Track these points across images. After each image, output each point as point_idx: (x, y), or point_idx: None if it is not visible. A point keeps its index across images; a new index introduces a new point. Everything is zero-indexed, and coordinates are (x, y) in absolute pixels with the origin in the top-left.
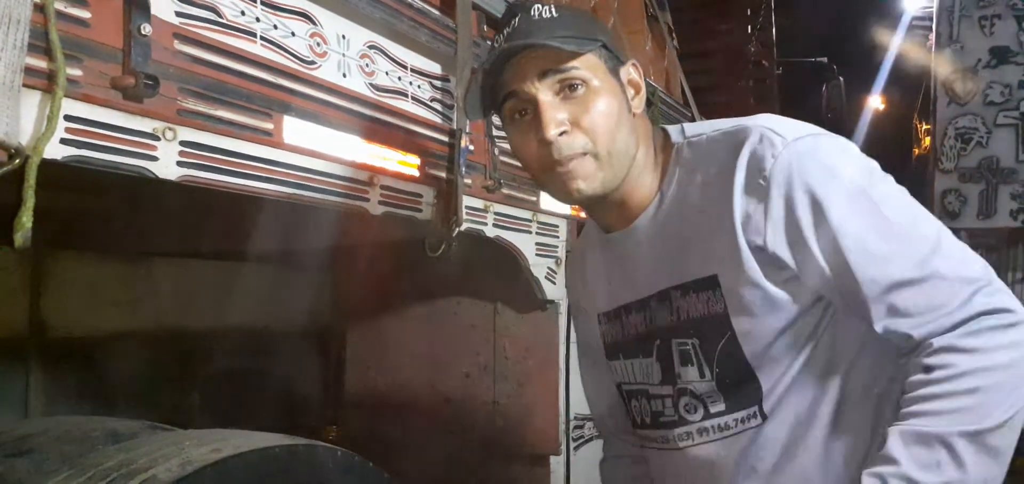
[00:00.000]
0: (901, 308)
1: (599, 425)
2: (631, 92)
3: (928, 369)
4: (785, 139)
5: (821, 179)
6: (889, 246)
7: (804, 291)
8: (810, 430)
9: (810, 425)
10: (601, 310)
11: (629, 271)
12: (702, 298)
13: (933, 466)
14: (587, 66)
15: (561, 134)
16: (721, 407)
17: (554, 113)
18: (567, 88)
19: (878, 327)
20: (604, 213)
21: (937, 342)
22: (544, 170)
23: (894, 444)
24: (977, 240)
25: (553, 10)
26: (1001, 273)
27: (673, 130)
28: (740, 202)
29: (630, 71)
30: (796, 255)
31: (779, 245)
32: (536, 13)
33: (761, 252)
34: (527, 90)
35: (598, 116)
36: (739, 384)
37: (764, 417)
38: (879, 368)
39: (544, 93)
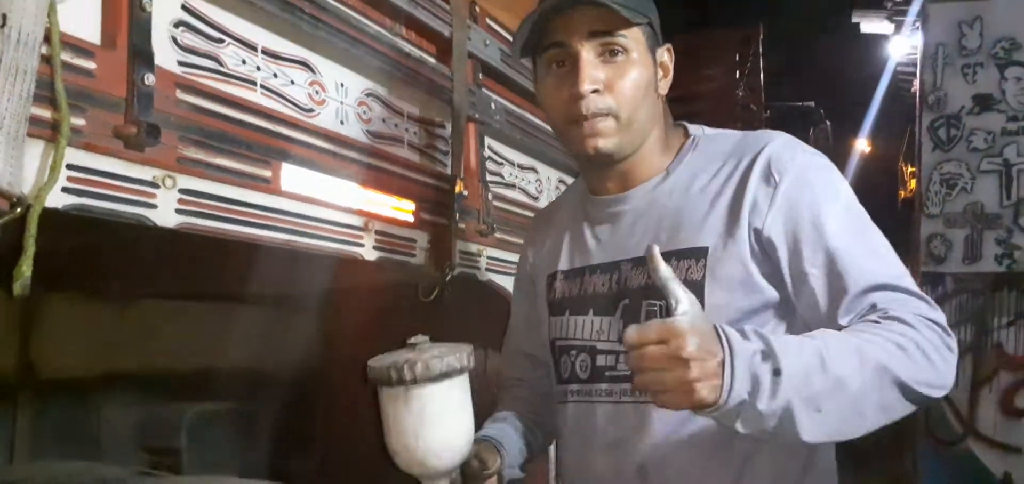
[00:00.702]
0: (877, 304)
1: (509, 374)
2: (660, 73)
3: (876, 322)
4: (805, 151)
5: (824, 189)
6: (871, 259)
7: (779, 286)
8: None
9: None
10: (560, 268)
11: (608, 233)
12: (683, 266)
13: (840, 358)
14: (632, 37)
15: (593, 92)
16: None
17: (592, 71)
18: (608, 52)
19: (844, 320)
20: (605, 178)
21: (895, 312)
22: (568, 122)
23: (825, 332)
24: (963, 285)
25: None
26: (987, 318)
27: (693, 126)
28: (753, 187)
29: (664, 54)
30: (788, 243)
31: (774, 230)
32: None
33: (758, 236)
34: (574, 45)
35: (629, 84)
36: None
37: None
38: None
39: (587, 51)
